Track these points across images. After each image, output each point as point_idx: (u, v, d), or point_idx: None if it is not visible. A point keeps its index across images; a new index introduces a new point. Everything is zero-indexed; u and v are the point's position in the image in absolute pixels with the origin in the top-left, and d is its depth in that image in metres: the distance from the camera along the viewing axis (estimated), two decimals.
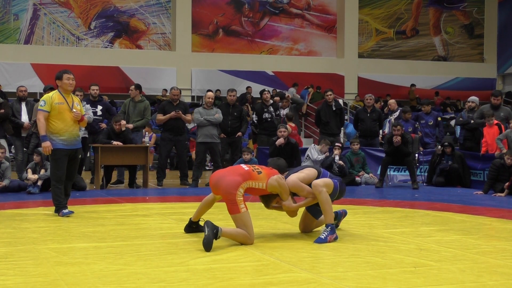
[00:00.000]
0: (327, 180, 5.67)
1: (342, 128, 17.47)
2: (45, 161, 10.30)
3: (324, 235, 5.50)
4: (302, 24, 24.36)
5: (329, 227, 5.46)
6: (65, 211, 7.37)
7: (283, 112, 13.73)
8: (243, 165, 5.68)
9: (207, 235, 5.06)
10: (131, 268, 4.48)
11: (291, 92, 21.09)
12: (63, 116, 7.40)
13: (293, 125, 13.75)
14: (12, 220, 6.96)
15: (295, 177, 5.70)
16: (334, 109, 13.05)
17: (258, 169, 5.59)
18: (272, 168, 5.78)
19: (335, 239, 5.46)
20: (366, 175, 12.36)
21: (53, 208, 7.56)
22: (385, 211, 8.17)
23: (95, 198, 9.57)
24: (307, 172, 5.78)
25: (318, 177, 5.74)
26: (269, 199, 5.72)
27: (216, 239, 5.11)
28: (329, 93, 13.22)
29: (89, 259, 4.80)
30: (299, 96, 19.63)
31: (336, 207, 6.13)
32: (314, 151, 12.21)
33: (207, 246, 5.05)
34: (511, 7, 26.15)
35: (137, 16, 22.59)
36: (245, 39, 23.70)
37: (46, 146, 7.34)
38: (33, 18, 21.52)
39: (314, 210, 5.88)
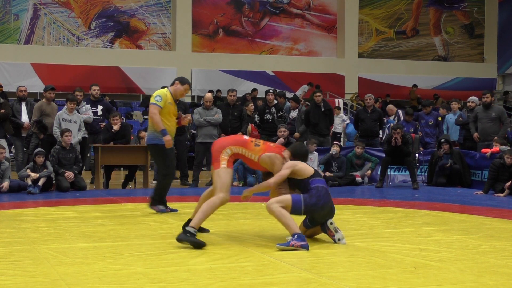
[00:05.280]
0: (282, 197, 5.49)
1: (344, 128, 17.52)
2: (47, 162, 10.30)
3: (287, 240, 5.29)
4: (302, 24, 24.35)
5: (295, 235, 5.21)
6: (161, 207, 7.55)
7: (292, 114, 13.59)
8: (245, 136, 5.98)
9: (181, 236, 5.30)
10: (131, 268, 4.48)
11: (302, 90, 21.09)
12: (169, 116, 7.46)
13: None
14: (12, 220, 6.96)
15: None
16: (323, 109, 12.90)
17: (257, 142, 5.72)
18: (278, 146, 5.85)
19: (303, 246, 5.14)
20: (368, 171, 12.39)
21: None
22: (385, 211, 8.17)
23: (95, 198, 9.58)
24: (305, 167, 5.62)
25: (311, 178, 5.55)
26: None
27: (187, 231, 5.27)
28: (318, 94, 13.10)
29: (89, 259, 4.80)
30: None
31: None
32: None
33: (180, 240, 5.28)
34: (511, 7, 26.15)
35: (137, 16, 22.58)
36: (245, 39, 23.70)
37: (168, 139, 7.34)
38: (33, 18, 21.51)
39: (311, 219, 5.75)
